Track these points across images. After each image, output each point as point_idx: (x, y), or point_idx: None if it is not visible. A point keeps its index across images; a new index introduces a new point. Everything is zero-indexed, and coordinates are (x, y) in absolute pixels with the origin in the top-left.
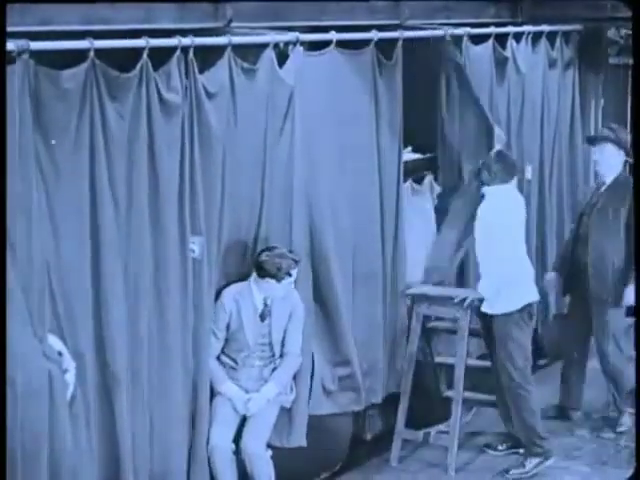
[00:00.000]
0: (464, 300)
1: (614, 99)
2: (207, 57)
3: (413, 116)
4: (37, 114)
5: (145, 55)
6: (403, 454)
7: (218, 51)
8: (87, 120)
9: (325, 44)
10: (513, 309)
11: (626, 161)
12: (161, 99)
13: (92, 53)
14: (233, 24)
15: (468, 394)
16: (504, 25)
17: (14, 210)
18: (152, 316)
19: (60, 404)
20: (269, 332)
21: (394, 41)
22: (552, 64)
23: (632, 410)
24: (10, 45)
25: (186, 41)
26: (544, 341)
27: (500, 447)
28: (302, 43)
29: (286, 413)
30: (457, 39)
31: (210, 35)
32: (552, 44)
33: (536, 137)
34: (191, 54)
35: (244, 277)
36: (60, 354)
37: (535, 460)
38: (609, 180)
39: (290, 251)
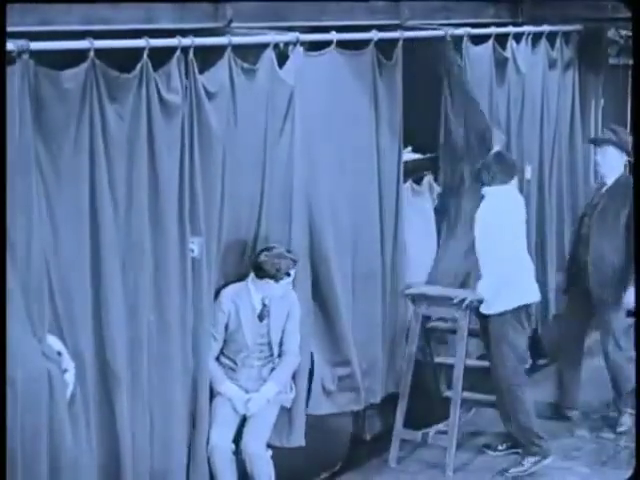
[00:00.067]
0: (463, 300)
1: (614, 99)
2: (207, 57)
3: (413, 116)
4: (37, 114)
5: (145, 55)
6: (402, 454)
7: (218, 51)
8: (87, 120)
9: (325, 44)
10: (508, 309)
11: (627, 161)
12: (161, 99)
13: (92, 53)
14: (233, 24)
15: (467, 394)
16: (504, 25)
17: (14, 210)
18: (152, 316)
19: (60, 404)
20: (267, 332)
21: (394, 41)
22: (552, 64)
23: (632, 411)
24: (10, 45)
25: (186, 41)
26: (544, 341)
27: (500, 447)
28: (302, 43)
29: (286, 413)
30: (457, 39)
31: (210, 35)
32: (552, 44)
33: (536, 137)
34: (191, 54)
35: (243, 277)
36: (59, 354)
37: (532, 459)
38: (610, 181)
39: (288, 251)
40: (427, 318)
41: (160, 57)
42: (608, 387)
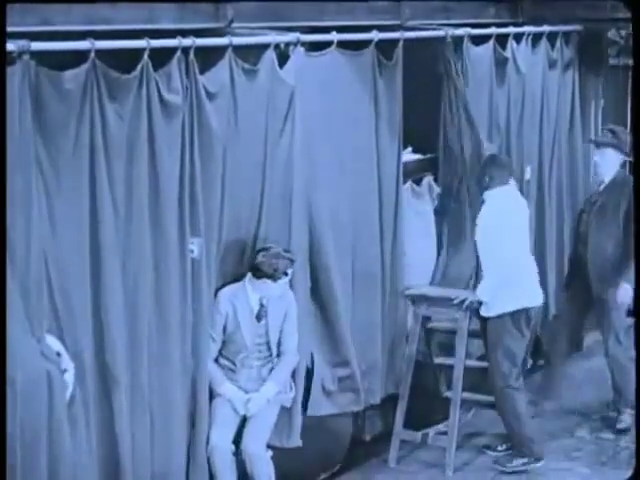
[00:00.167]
0: (463, 301)
1: (614, 99)
2: (208, 58)
3: (413, 117)
4: (37, 115)
5: (146, 56)
6: (402, 455)
7: (219, 52)
8: (88, 120)
9: (326, 45)
10: (506, 311)
11: (626, 161)
12: (162, 100)
13: (93, 54)
14: (234, 25)
15: (467, 395)
16: (504, 26)
17: (14, 210)
18: (151, 316)
19: (59, 404)
20: (266, 332)
21: (394, 42)
22: (552, 65)
23: (632, 411)
24: (11, 46)
25: (187, 42)
26: (543, 341)
27: (499, 447)
28: (303, 44)
29: (285, 413)
30: (457, 40)
31: (211, 35)
32: (552, 45)
33: (536, 137)
34: (192, 55)
35: (243, 277)
36: (59, 354)
37: (522, 460)
38: (607, 179)
39: (286, 250)
40: (427, 319)
41: (161, 57)
42: (608, 387)
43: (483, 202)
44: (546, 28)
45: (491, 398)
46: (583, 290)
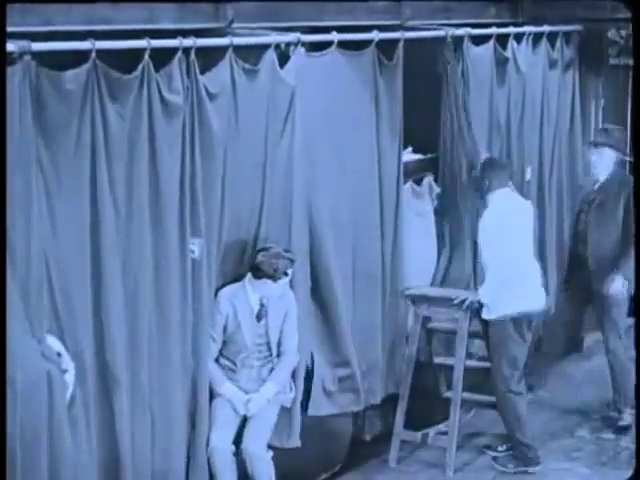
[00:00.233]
0: (464, 301)
1: (614, 100)
2: (208, 58)
3: (413, 117)
4: (38, 115)
5: (147, 56)
6: (402, 455)
7: (219, 52)
8: (88, 121)
9: (326, 45)
10: (507, 314)
11: (620, 159)
12: (162, 100)
13: (94, 54)
14: (234, 25)
15: (467, 395)
16: (505, 26)
17: (14, 210)
18: (152, 316)
19: (59, 405)
20: (266, 332)
21: (395, 42)
22: (552, 64)
23: (632, 410)
24: (12, 46)
25: (187, 42)
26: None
27: (500, 448)
28: (303, 44)
29: (285, 413)
30: (458, 40)
31: (211, 36)
32: (552, 45)
33: (536, 137)
34: (192, 55)
35: (243, 277)
36: (59, 355)
37: (522, 462)
38: (603, 178)
39: (286, 250)
40: (427, 319)
41: (161, 58)
42: (608, 387)
43: (484, 205)
44: (546, 28)
45: (491, 398)
46: (582, 288)
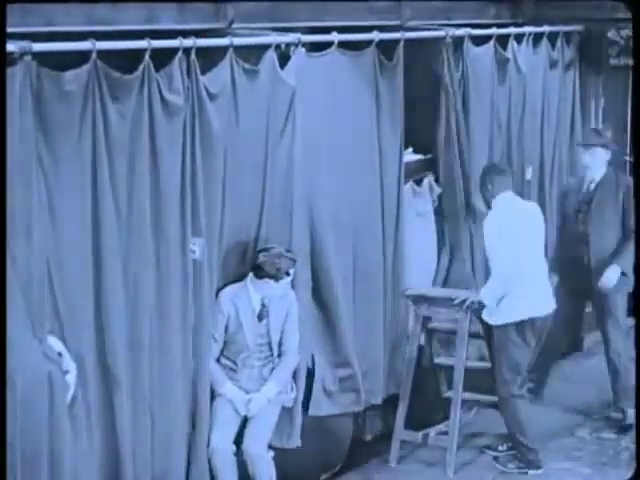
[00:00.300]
0: (464, 301)
1: (614, 99)
2: (209, 58)
3: (414, 117)
4: (39, 115)
5: (147, 56)
6: (402, 455)
7: (220, 52)
8: (89, 121)
9: (326, 45)
10: (510, 321)
11: (627, 161)
12: (163, 100)
13: (94, 54)
14: (235, 25)
15: (468, 395)
16: (505, 26)
17: (15, 211)
18: (153, 316)
19: (60, 405)
20: (267, 332)
21: (395, 42)
22: (553, 65)
23: (632, 410)
24: (12, 47)
25: (188, 42)
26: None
27: (500, 447)
28: (304, 44)
29: (286, 413)
30: (458, 40)
31: (212, 36)
32: (553, 45)
33: (537, 137)
34: (193, 55)
35: (244, 277)
36: (60, 355)
37: (522, 464)
38: (598, 177)
39: (287, 250)
40: (428, 319)
41: (162, 58)
42: (608, 387)
43: (489, 209)
44: (547, 28)
45: (492, 398)
46: (582, 288)
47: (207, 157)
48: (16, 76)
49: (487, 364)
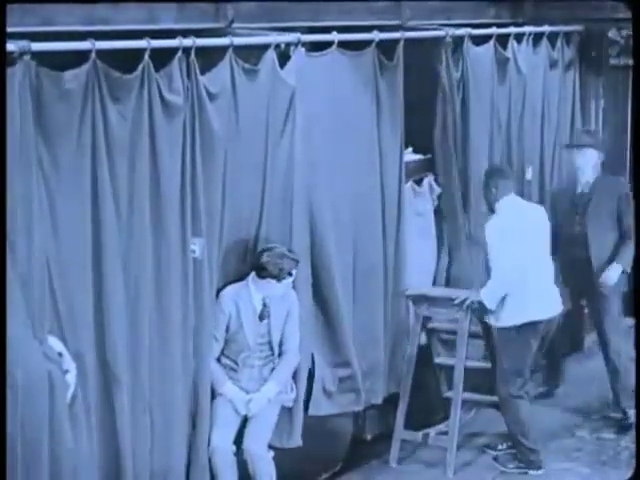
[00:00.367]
0: (464, 301)
1: (614, 100)
2: (208, 58)
3: (414, 117)
4: (39, 115)
5: (147, 56)
6: (402, 455)
7: (219, 52)
8: (89, 121)
9: (326, 45)
10: (514, 324)
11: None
12: (163, 100)
13: (94, 54)
14: (234, 25)
15: (468, 395)
16: (505, 26)
17: (15, 211)
18: (153, 316)
19: (60, 405)
20: (268, 332)
21: (395, 42)
22: (553, 65)
23: (632, 410)
24: (12, 46)
25: (188, 42)
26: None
27: (500, 446)
28: (303, 44)
29: (286, 413)
30: (458, 40)
31: (211, 36)
32: (553, 45)
33: (537, 138)
34: (193, 55)
35: (244, 277)
36: (60, 355)
37: (522, 464)
38: (591, 179)
39: (289, 251)
40: (428, 319)
41: (161, 58)
42: (608, 387)
43: (492, 212)
44: (547, 28)
45: (492, 398)
46: (579, 289)
47: (207, 157)
48: (15, 76)
49: (487, 364)
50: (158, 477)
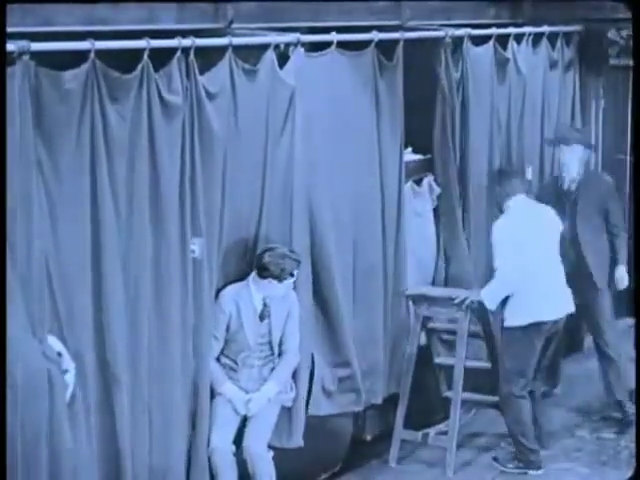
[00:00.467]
0: (464, 301)
1: (614, 100)
2: (208, 58)
3: (414, 117)
4: (38, 115)
5: (146, 56)
6: (402, 455)
7: (219, 52)
8: (88, 121)
9: (326, 45)
10: (519, 324)
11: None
12: (162, 100)
13: (93, 54)
14: (234, 25)
15: (467, 395)
16: (505, 26)
17: (15, 211)
18: (152, 316)
19: (60, 404)
20: (269, 331)
21: (395, 42)
22: (553, 65)
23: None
24: (11, 46)
25: (187, 42)
26: None
27: (502, 444)
28: (303, 44)
29: (285, 413)
30: (458, 40)
31: (211, 36)
32: (553, 45)
33: (537, 138)
34: (192, 55)
35: (244, 277)
36: (60, 355)
37: (518, 464)
38: (578, 177)
39: (291, 251)
40: (428, 319)
41: (161, 58)
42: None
43: (501, 212)
44: (546, 28)
45: (492, 398)
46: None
47: (206, 157)
48: (15, 76)
49: (487, 364)
50: (157, 477)
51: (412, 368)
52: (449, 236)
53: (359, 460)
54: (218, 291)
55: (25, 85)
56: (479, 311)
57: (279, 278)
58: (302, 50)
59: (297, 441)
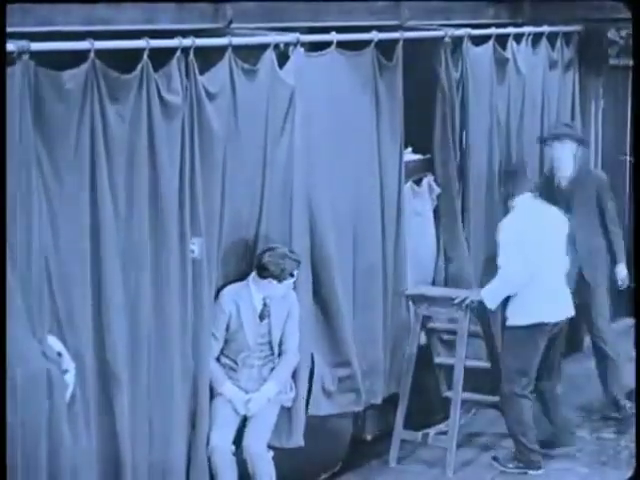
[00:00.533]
0: (464, 300)
1: (614, 100)
2: (207, 58)
3: (413, 117)
4: (38, 115)
5: (145, 56)
6: (402, 454)
7: (218, 52)
8: (87, 121)
9: (325, 45)
10: (522, 324)
11: (627, 160)
12: (161, 100)
13: (92, 54)
14: (233, 25)
15: (467, 395)
16: (504, 26)
17: (14, 211)
18: (152, 316)
19: (59, 404)
20: (268, 331)
21: (394, 42)
22: (552, 65)
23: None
24: (11, 46)
25: (187, 42)
26: None
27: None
28: (302, 44)
29: (285, 413)
30: (457, 40)
31: (210, 36)
32: (552, 45)
33: (536, 138)
34: (191, 55)
35: (244, 277)
36: (60, 354)
37: (518, 464)
38: (570, 173)
39: (291, 251)
40: (428, 318)
41: (160, 58)
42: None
43: (508, 211)
44: (546, 28)
45: (492, 398)
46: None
47: (206, 157)
48: (15, 76)
49: (487, 364)
50: (157, 476)
51: (412, 368)
52: (449, 236)
53: (359, 460)
54: (218, 291)
55: (25, 85)
56: (479, 311)
57: (279, 278)
58: (302, 50)
59: (297, 441)
